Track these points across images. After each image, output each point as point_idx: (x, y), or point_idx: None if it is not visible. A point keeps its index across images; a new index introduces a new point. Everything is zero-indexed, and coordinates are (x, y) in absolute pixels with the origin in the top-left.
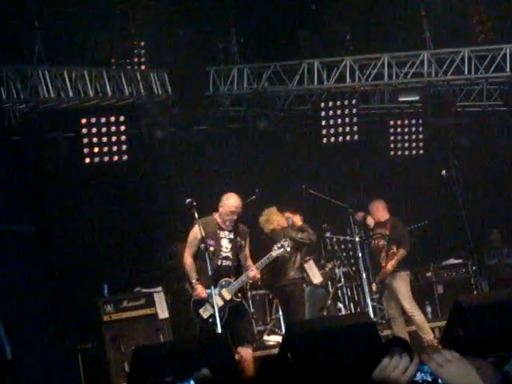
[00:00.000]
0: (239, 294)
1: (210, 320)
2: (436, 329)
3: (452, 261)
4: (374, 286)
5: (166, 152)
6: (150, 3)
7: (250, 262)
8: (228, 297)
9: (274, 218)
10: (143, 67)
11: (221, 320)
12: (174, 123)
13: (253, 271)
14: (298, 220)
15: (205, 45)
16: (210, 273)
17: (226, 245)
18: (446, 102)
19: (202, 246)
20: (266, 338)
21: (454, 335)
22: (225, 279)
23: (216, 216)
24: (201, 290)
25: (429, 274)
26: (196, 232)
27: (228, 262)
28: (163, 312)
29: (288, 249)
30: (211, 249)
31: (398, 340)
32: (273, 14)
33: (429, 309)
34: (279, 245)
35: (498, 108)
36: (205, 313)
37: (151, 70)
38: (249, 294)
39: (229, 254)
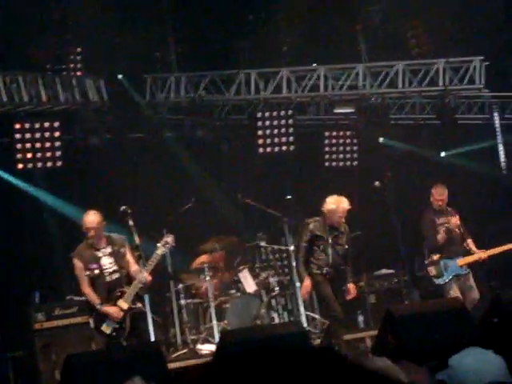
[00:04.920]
0: (137, 301)
1: (114, 334)
2: (368, 338)
3: (384, 271)
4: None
5: (101, 159)
6: (86, 9)
7: (135, 267)
8: (125, 306)
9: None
10: (79, 73)
11: (124, 330)
12: (110, 130)
13: (143, 273)
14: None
15: (142, 52)
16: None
17: (107, 261)
18: (379, 114)
19: (88, 273)
20: (199, 346)
21: (385, 344)
22: (118, 290)
23: (87, 240)
24: (113, 310)
25: (361, 284)
26: (77, 264)
27: (117, 275)
28: None
29: (173, 244)
30: (96, 272)
31: (327, 350)
32: (211, 24)
33: (361, 318)
34: (163, 242)
35: (431, 121)
36: (107, 329)
37: (87, 76)
38: (183, 303)
39: (114, 268)
